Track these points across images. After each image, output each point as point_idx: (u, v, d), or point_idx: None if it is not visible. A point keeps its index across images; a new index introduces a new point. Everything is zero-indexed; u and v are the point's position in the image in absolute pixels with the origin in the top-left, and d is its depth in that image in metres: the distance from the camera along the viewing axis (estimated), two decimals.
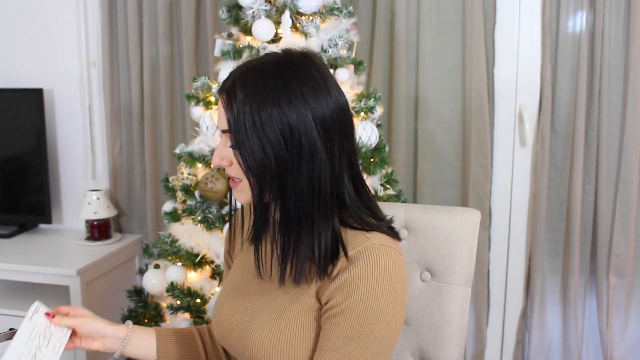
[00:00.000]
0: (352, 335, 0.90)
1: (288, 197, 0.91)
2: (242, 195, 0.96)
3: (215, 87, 1.79)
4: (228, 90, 0.92)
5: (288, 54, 0.94)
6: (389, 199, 1.84)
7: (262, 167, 0.90)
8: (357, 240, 0.93)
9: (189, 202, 1.83)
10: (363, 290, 0.90)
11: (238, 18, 1.78)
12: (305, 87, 0.89)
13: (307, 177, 0.90)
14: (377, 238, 0.93)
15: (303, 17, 1.76)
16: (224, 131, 0.93)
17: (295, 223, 0.92)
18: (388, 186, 1.85)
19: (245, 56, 1.74)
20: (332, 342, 0.90)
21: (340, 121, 0.92)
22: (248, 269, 1.05)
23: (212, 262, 1.81)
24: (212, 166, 0.94)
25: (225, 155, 0.95)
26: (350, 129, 0.95)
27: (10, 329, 0.96)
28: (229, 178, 1.00)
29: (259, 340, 0.95)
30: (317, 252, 0.92)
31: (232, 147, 0.92)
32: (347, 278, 0.90)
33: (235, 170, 0.94)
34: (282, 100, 0.88)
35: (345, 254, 0.91)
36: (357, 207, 0.96)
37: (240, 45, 1.79)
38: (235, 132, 0.90)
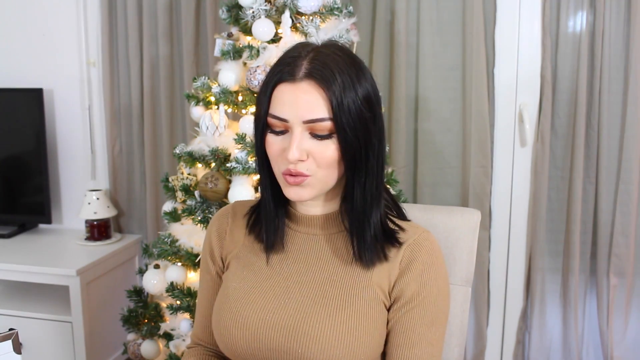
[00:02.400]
0: (431, 320, 0.94)
1: (369, 180, 0.93)
2: (309, 190, 0.91)
3: (215, 87, 1.79)
4: (320, 74, 0.86)
5: (323, 42, 0.95)
6: None
7: (360, 148, 0.90)
8: (408, 229, 0.98)
9: (189, 202, 1.83)
10: (435, 277, 0.95)
11: (238, 18, 1.78)
12: (364, 66, 0.93)
13: (382, 158, 0.94)
14: (419, 226, 1.00)
15: (303, 17, 1.76)
16: (313, 121, 0.86)
17: (370, 206, 0.94)
18: (388, 186, 1.85)
19: (245, 56, 1.74)
20: (417, 332, 0.93)
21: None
22: (266, 268, 1.00)
23: None
24: (292, 160, 0.88)
25: (304, 148, 0.88)
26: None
27: (10, 329, 0.95)
28: (264, 182, 0.97)
29: (319, 335, 0.90)
30: (377, 235, 0.95)
31: (326, 136, 0.87)
32: (419, 269, 0.94)
33: (308, 166, 0.89)
34: (362, 78, 0.90)
35: (398, 241, 0.95)
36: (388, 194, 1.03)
37: (240, 45, 1.78)
38: (341, 116, 0.86)
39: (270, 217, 1.00)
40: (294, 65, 0.88)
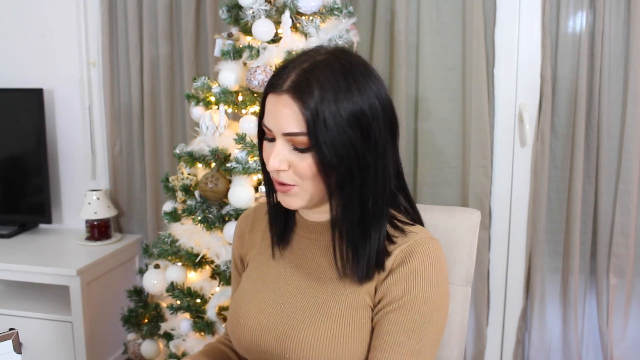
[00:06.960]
0: (413, 328, 0.90)
1: (363, 194, 0.91)
2: (296, 199, 0.92)
3: (215, 87, 1.79)
4: (299, 88, 0.85)
5: (336, 48, 0.93)
6: None
7: (341, 166, 0.87)
8: (405, 235, 0.95)
9: (189, 202, 1.83)
10: (423, 283, 0.91)
11: (238, 18, 1.78)
12: (368, 79, 0.89)
13: (380, 172, 0.92)
14: (423, 232, 0.97)
15: (303, 17, 1.76)
16: (289, 134, 0.87)
17: (365, 220, 0.92)
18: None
19: (245, 56, 1.74)
20: (393, 337, 0.90)
21: (392, 112, 0.94)
22: (273, 271, 1.03)
23: (212, 262, 1.81)
24: (269, 169, 0.91)
25: (284, 159, 0.89)
26: (396, 120, 0.96)
27: (10, 329, 0.95)
28: (267, 183, 0.98)
29: (303, 340, 0.92)
30: (376, 247, 0.93)
31: (304, 150, 0.87)
32: (405, 272, 0.92)
33: (290, 177, 0.90)
34: (355, 93, 0.87)
35: (385, 251, 0.93)
36: (401, 202, 1.01)
37: (240, 45, 1.79)
38: (316, 132, 0.85)
39: (277, 212, 1.03)
40: (282, 75, 0.89)
